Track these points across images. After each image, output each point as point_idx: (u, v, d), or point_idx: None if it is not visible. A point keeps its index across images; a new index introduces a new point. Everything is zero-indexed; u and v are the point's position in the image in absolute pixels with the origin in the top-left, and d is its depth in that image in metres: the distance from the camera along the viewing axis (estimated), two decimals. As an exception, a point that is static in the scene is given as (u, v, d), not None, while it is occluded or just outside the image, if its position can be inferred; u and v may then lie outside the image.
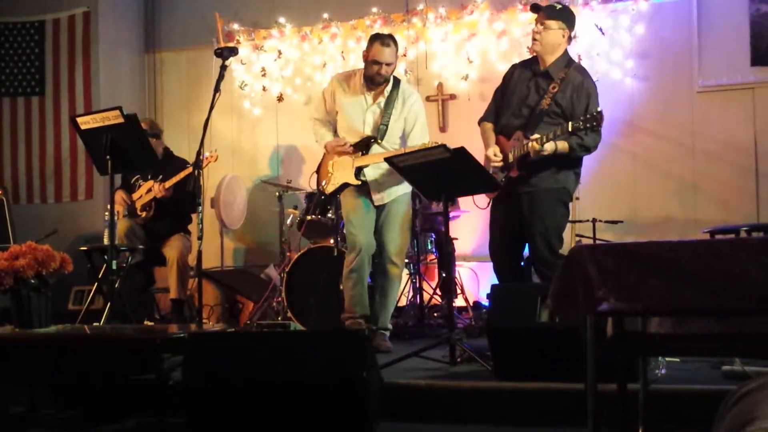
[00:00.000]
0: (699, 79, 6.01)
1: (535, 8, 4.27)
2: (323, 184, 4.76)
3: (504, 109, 4.31)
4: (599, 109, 3.99)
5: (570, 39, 4.28)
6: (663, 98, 6.13)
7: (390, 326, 4.67)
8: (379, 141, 4.53)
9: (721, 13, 5.95)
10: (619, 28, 6.10)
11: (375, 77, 4.49)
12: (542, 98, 4.14)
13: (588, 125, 3.92)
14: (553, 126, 4.04)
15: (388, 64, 4.46)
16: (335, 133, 4.72)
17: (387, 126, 4.53)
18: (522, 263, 4.41)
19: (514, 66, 4.47)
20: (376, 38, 4.51)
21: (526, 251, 4.38)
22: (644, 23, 6.08)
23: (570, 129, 3.95)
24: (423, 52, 6.59)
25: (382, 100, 4.54)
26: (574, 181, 4.23)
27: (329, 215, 5.45)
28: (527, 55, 5.99)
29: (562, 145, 4.03)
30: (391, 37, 4.55)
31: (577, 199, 5.00)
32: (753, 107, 5.89)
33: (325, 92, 4.77)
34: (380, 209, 4.61)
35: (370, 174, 4.57)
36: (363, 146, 4.56)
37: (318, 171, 4.92)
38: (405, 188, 4.58)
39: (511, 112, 4.25)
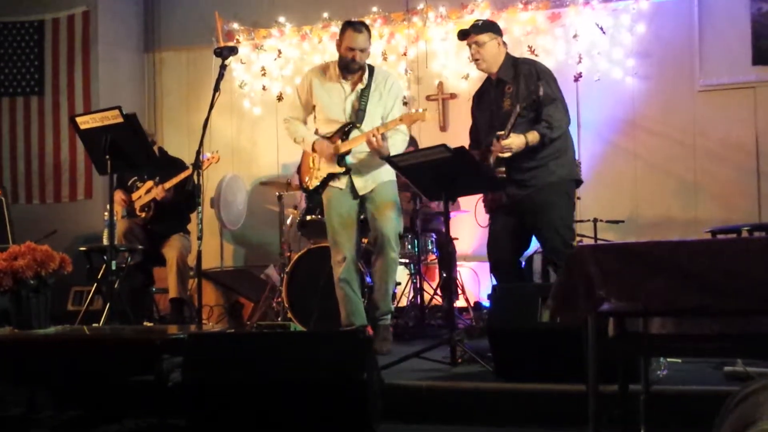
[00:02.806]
0: (700, 79, 6.00)
1: (462, 35, 4.35)
2: (306, 180, 4.71)
3: (480, 134, 4.38)
4: (545, 92, 4.03)
5: (505, 44, 4.39)
6: (664, 97, 6.12)
7: (391, 309, 4.64)
8: (358, 125, 4.48)
9: (722, 12, 5.94)
10: (620, 27, 6.09)
11: (350, 64, 4.47)
12: (503, 103, 4.22)
13: (531, 100, 4.00)
14: (522, 122, 4.09)
15: (362, 50, 4.46)
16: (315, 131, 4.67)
17: (365, 111, 4.50)
18: (521, 263, 4.40)
19: (473, 98, 4.57)
20: (348, 25, 4.52)
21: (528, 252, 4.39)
22: (645, 22, 6.07)
23: (518, 111, 4.01)
24: (423, 51, 6.59)
25: (360, 87, 4.53)
26: (569, 167, 4.25)
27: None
28: (528, 54, 6.01)
29: (532, 136, 4.07)
30: (363, 23, 4.58)
31: (578, 198, 4.98)
32: (754, 106, 5.88)
33: (299, 89, 4.70)
34: (365, 200, 4.56)
35: (353, 163, 4.52)
36: (343, 133, 4.53)
37: (299, 170, 4.87)
38: (389, 175, 4.52)
39: (485, 132, 4.31)
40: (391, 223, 4.51)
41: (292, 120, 4.70)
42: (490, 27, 4.36)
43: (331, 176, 4.55)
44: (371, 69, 4.59)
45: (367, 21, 6.50)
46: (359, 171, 4.53)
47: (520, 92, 4.16)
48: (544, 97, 4.06)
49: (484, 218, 4.48)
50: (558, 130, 4.12)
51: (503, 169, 4.13)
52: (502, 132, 4.06)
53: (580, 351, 2.52)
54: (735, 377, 3.24)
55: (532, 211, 4.16)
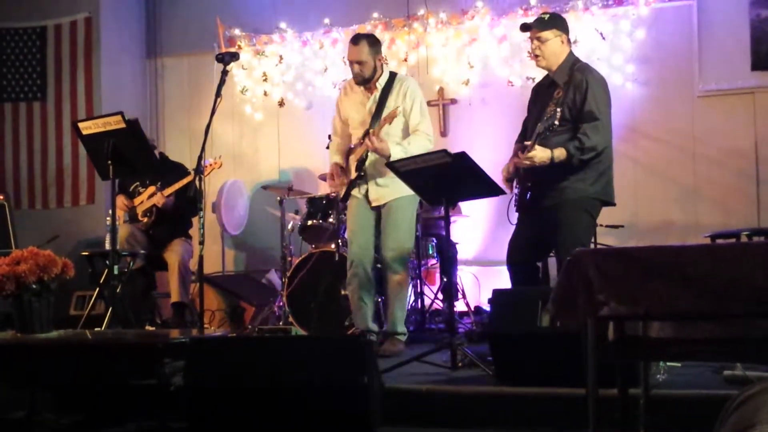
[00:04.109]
0: (699, 84, 6.01)
1: (525, 27, 4.23)
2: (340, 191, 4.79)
3: (528, 129, 4.29)
4: (588, 108, 3.94)
5: (570, 42, 4.24)
6: (664, 103, 6.12)
7: (402, 330, 4.61)
8: (373, 129, 4.53)
9: (721, 18, 5.96)
10: (620, 33, 6.10)
11: (354, 77, 4.61)
12: (548, 107, 4.06)
13: (575, 112, 3.92)
14: (558, 133, 3.99)
15: (359, 62, 4.53)
16: (347, 154, 4.76)
17: (380, 116, 4.54)
18: (538, 270, 4.38)
19: (532, 89, 4.46)
20: (351, 39, 4.67)
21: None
22: (645, 28, 6.08)
23: (540, 131, 3.91)
24: (424, 57, 6.60)
25: (377, 94, 4.61)
26: (599, 186, 4.07)
27: (330, 220, 5.46)
28: (528, 61, 6.01)
29: (559, 152, 3.94)
30: (361, 35, 4.67)
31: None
32: (754, 112, 5.89)
33: (336, 105, 4.89)
34: (380, 212, 4.60)
35: (370, 172, 4.57)
36: (363, 138, 4.57)
37: None
38: (409, 190, 4.49)
39: (531, 129, 4.19)
40: (396, 243, 4.52)
41: (333, 137, 4.87)
42: (555, 23, 4.15)
43: (353, 184, 4.61)
44: (392, 75, 4.66)
45: (368, 27, 6.55)
46: (375, 181, 4.58)
47: (566, 101, 3.99)
48: (586, 114, 3.96)
49: (514, 216, 4.31)
50: (589, 152, 3.95)
51: (529, 184, 4.08)
52: (528, 142, 3.97)
53: (579, 355, 2.53)
54: (734, 381, 3.24)
55: (551, 225, 4.07)
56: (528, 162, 3.97)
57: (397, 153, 4.40)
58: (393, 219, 4.56)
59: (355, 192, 4.63)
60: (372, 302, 4.65)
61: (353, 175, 4.59)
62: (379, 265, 4.92)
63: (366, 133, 4.54)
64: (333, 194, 5.16)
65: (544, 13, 4.31)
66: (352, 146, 4.72)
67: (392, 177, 4.48)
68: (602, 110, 4.02)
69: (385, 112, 4.51)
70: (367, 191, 4.60)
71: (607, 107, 4.08)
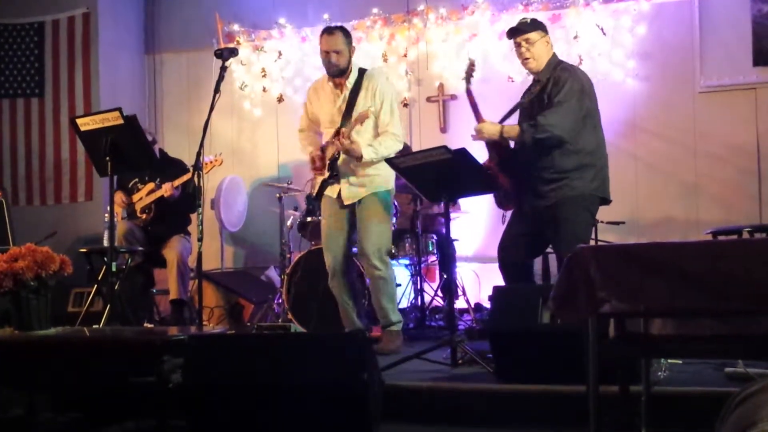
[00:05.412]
0: (701, 80, 6.00)
1: (512, 33, 4.24)
2: (312, 189, 4.75)
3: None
4: (557, 99, 3.97)
5: (551, 44, 4.29)
6: (664, 99, 6.11)
7: (397, 318, 4.58)
8: (343, 130, 4.48)
9: (722, 14, 5.95)
10: (621, 29, 6.09)
11: (329, 68, 4.50)
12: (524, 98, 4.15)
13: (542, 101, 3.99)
14: (525, 120, 4.08)
15: (336, 52, 4.46)
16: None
17: (351, 115, 4.47)
18: (531, 268, 4.36)
19: (522, 95, 4.46)
20: (323, 30, 4.59)
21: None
22: (646, 23, 6.07)
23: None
24: (424, 52, 6.59)
25: (347, 92, 4.52)
26: (596, 183, 4.09)
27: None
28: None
29: (510, 128, 4.05)
30: (338, 27, 4.60)
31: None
32: (755, 107, 5.88)
33: (305, 104, 4.79)
34: (353, 209, 4.55)
35: (342, 171, 4.50)
36: (334, 138, 4.50)
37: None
38: (382, 184, 4.48)
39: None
40: (372, 239, 4.46)
41: (301, 134, 4.78)
42: (539, 25, 4.22)
43: (325, 184, 4.55)
44: (362, 71, 4.57)
45: (368, 22, 6.54)
46: (348, 179, 4.51)
47: (543, 95, 4.05)
48: (554, 102, 3.97)
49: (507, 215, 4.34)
50: (544, 132, 3.95)
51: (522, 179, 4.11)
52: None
53: (580, 352, 2.52)
54: (736, 378, 3.24)
55: (550, 224, 4.07)
56: (476, 135, 4.08)
57: (368, 154, 4.37)
58: (368, 214, 4.49)
59: (328, 191, 4.57)
60: (355, 301, 4.64)
61: (326, 174, 4.52)
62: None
63: (337, 132, 4.46)
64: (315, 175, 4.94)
65: (524, 18, 4.34)
66: (324, 145, 4.61)
67: (365, 176, 4.46)
68: (569, 99, 4.01)
69: (356, 112, 4.43)
70: (339, 190, 4.53)
71: (578, 100, 4.03)
